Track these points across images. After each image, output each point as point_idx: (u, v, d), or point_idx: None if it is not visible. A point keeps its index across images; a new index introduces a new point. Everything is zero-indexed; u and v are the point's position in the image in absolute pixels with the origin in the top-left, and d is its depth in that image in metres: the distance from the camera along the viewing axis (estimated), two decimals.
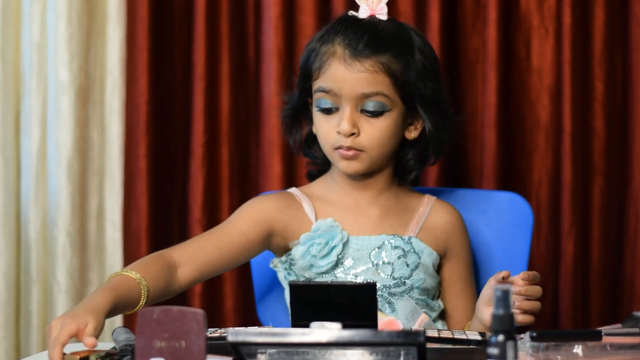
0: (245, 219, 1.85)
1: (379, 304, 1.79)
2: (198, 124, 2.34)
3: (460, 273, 1.89)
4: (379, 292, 1.79)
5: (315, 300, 1.39)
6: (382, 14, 1.82)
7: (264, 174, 2.35)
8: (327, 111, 1.80)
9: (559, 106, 2.29)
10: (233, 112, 2.36)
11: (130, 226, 2.34)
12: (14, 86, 2.35)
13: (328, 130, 1.80)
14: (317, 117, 1.82)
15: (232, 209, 2.34)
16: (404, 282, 1.81)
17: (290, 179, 2.33)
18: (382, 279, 1.80)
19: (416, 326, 1.79)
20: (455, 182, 2.31)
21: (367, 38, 1.78)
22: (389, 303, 1.80)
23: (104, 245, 2.37)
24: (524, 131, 2.33)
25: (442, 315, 1.88)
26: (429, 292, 1.84)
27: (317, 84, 1.80)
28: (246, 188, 2.37)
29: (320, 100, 1.80)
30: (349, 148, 1.78)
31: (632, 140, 2.31)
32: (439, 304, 1.86)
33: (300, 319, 1.37)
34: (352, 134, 1.77)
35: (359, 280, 1.80)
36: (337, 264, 1.81)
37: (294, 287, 1.40)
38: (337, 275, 1.81)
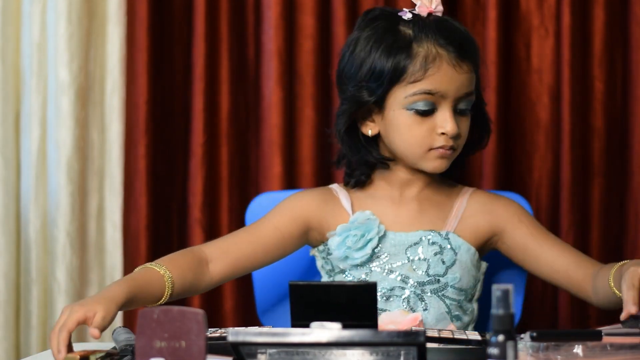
0: (281, 215, 1.86)
1: (412, 301, 1.79)
2: (198, 124, 2.34)
3: (531, 230, 1.84)
4: (412, 289, 1.80)
5: (315, 300, 1.39)
6: (439, 12, 1.81)
7: (264, 174, 2.35)
8: (425, 113, 1.77)
9: (559, 106, 2.29)
10: (233, 112, 2.36)
11: (130, 226, 2.35)
12: (14, 86, 2.35)
13: (425, 132, 1.77)
14: (409, 119, 1.78)
15: (232, 209, 2.35)
16: (438, 279, 1.80)
17: (291, 179, 2.33)
18: (417, 276, 1.80)
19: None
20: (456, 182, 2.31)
21: (462, 39, 1.78)
22: (422, 300, 1.80)
23: (103, 245, 2.37)
24: (524, 131, 2.33)
25: (475, 320, 1.86)
26: (466, 292, 1.83)
27: (418, 86, 1.75)
28: (246, 188, 2.37)
29: (419, 102, 1.76)
30: (450, 148, 1.79)
31: (632, 140, 2.31)
32: (473, 307, 1.84)
33: (300, 319, 1.37)
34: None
35: (394, 275, 1.80)
36: (372, 257, 1.81)
37: (294, 287, 1.40)
38: (372, 269, 1.81)
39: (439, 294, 1.80)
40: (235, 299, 2.35)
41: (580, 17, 2.28)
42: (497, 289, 1.20)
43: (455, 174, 1.92)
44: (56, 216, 2.30)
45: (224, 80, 2.35)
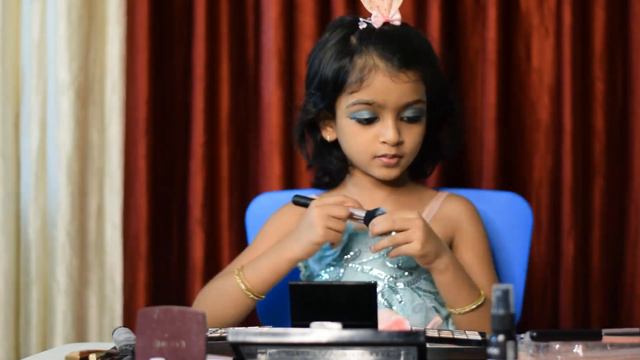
0: (266, 240, 1.89)
1: (386, 294, 1.81)
2: (198, 124, 2.34)
3: (469, 260, 1.86)
4: (385, 282, 1.82)
5: (315, 300, 1.39)
6: (396, 20, 1.83)
7: (263, 174, 2.35)
8: (367, 121, 1.81)
9: (559, 106, 2.29)
10: (233, 112, 2.36)
11: (130, 226, 2.34)
12: (14, 86, 2.35)
13: (368, 140, 1.81)
14: (353, 127, 1.82)
15: (232, 209, 2.35)
16: (411, 272, 1.82)
17: (290, 179, 2.33)
18: (389, 269, 1.82)
19: (429, 327, 1.79)
20: (455, 182, 2.31)
21: (404, 49, 1.80)
22: (395, 292, 1.82)
23: (103, 245, 2.37)
24: (524, 131, 2.33)
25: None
26: None
27: (356, 96, 1.80)
28: (246, 188, 2.37)
29: (360, 112, 1.80)
30: (393, 156, 1.81)
31: (632, 140, 2.31)
32: None
33: (300, 319, 1.37)
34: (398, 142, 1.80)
35: (367, 270, 1.82)
36: (345, 254, 1.84)
37: (294, 287, 1.40)
38: (346, 266, 1.83)
39: (412, 286, 1.83)
40: None
41: (581, 17, 2.28)
42: (497, 289, 1.20)
43: (424, 177, 1.97)
44: (56, 216, 2.30)
45: (224, 80, 2.35)
